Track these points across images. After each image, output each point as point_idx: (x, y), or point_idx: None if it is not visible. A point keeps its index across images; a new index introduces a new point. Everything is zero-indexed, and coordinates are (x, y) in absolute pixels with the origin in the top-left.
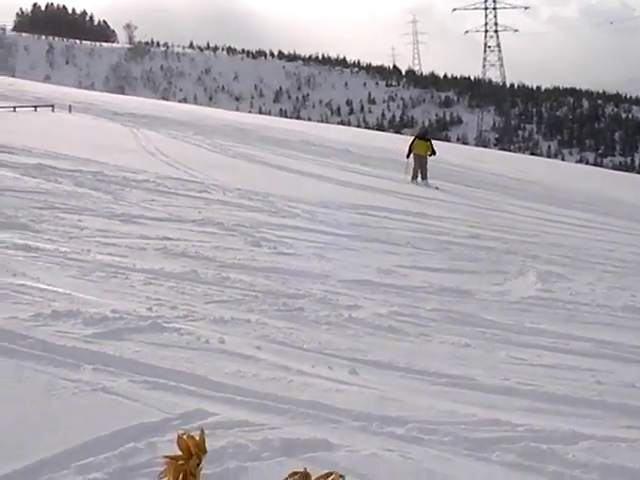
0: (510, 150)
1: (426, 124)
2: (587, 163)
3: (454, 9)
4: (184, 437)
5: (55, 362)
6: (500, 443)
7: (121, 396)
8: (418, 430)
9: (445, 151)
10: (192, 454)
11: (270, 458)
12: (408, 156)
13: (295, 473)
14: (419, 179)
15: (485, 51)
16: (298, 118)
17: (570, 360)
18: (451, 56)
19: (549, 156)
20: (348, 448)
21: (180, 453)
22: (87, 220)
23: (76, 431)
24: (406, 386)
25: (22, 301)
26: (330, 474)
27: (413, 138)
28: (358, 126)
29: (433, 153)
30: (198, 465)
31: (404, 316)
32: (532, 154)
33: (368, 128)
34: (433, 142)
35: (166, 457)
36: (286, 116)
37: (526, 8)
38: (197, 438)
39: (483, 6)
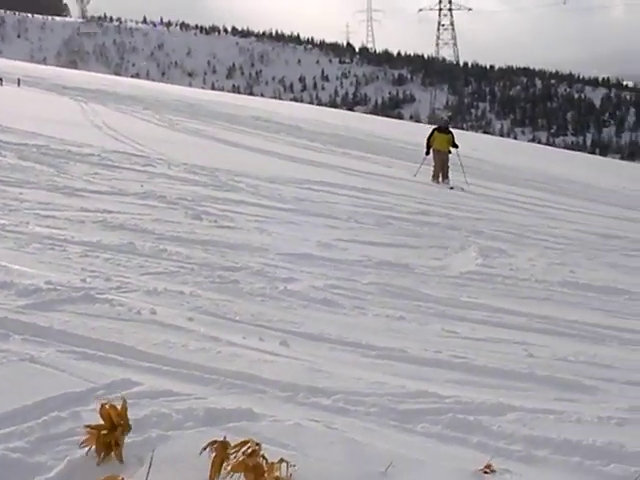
0: (463, 128)
1: (379, 102)
2: (539, 142)
3: None
4: (106, 407)
5: None
6: (427, 414)
7: (48, 366)
8: (344, 401)
9: (396, 129)
10: (115, 424)
11: (193, 427)
12: (427, 152)
13: (214, 442)
14: (440, 179)
15: (439, 29)
16: (251, 94)
17: (503, 334)
18: (405, 34)
19: (502, 135)
20: (272, 418)
21: (102, 422)
22: (28, 193)
23: (0, 400)
24: (336, 358)
25: None
26: (246, 442)
27: (432, 130)
28: (311, 103)
29: (455, 146)
30: (122, 436)
31: (340, 289)
32: (485, 133)
33: (321, 105)
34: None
35: (87, 427)
36: (239, 92)
37: None
38: (119, 408)
39: None
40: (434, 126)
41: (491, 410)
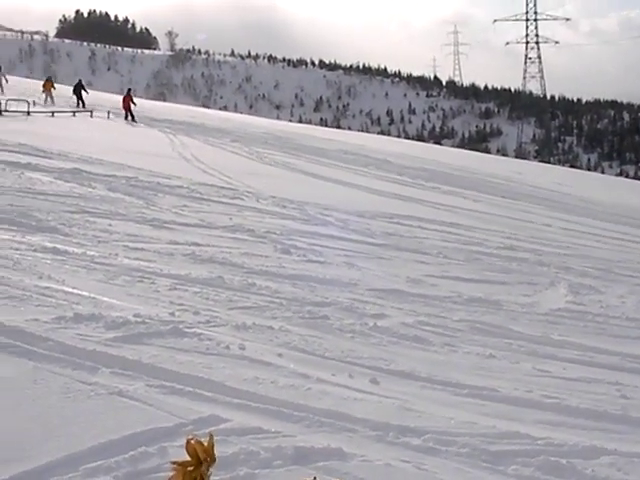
0: (550, 162)
1: (466, 135)
2: (627, 176)
3: (495, 20)
4: (192, 442)
5: (73, 365)
6: (519, 456)
7: (136, 400)
8: (435, 441)
9: (483, 162)
10: (201, 460)
11: (281, 466)
12: None
13: None
14: None
15: (526, 63)
16: (338, 127)
17: (596, 373)
18: (492, 67)
19: (589, 169)
20: (362, 458)
21: (189, 459)
22: (117, 225)
23: (88, 434)
24: (427, 396)
25: (45, 303)
26: None
27: None
28: (398, 136)
29: None
30: (207, 471)
31: (430, 326)
32: (572, 167)
33: (408, 138)
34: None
35: (174, 463)
36: (326, 125)
37: (567, 19)
38: (206, 444)
39: (524, 17)
40: None
41: (584, 453)
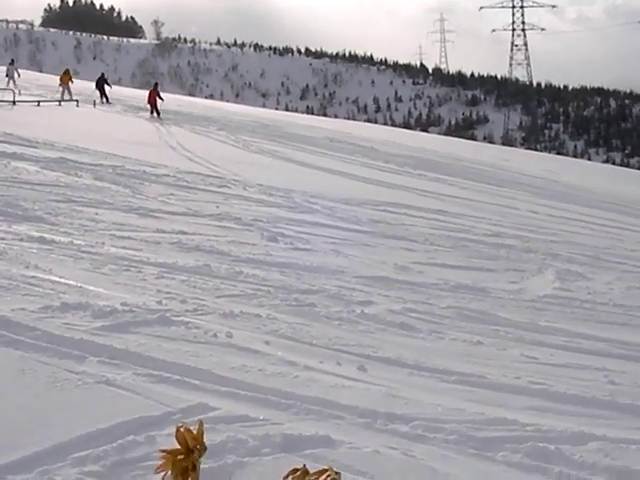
0: (536, 149)
1: (452, 122)
2: (614, 163)
3: (481, 7)
4: (182, 430)
5: (60, 354)
6: (507, 443)
7: (124, 389)
8: (423, 428)
9: (469, 150)
10: (191, 449)
11: (269, 454)
12: None
13: (296, 470)
14: None
15: (512, 50)
16: (324, 115)
17: (583, 359)
18: (478, 55)
19: (575, 156)
20: (350, 445)
21: (178, 447)
22: (104, 214)
23: (76, 423)
24: (414, 383)
25: (32, 293)
26: (325, 470)
27: None
28: (385, 124)
29: None
30: (199, 459)
31: (417, 313)
32: (558, 154)
33: (394, 126)
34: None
35: (162, 451)
36: (313, 113)
37: (553, 7)
38: (195, 432)
39: (510, 4)
40: None
41: (572, 439)
